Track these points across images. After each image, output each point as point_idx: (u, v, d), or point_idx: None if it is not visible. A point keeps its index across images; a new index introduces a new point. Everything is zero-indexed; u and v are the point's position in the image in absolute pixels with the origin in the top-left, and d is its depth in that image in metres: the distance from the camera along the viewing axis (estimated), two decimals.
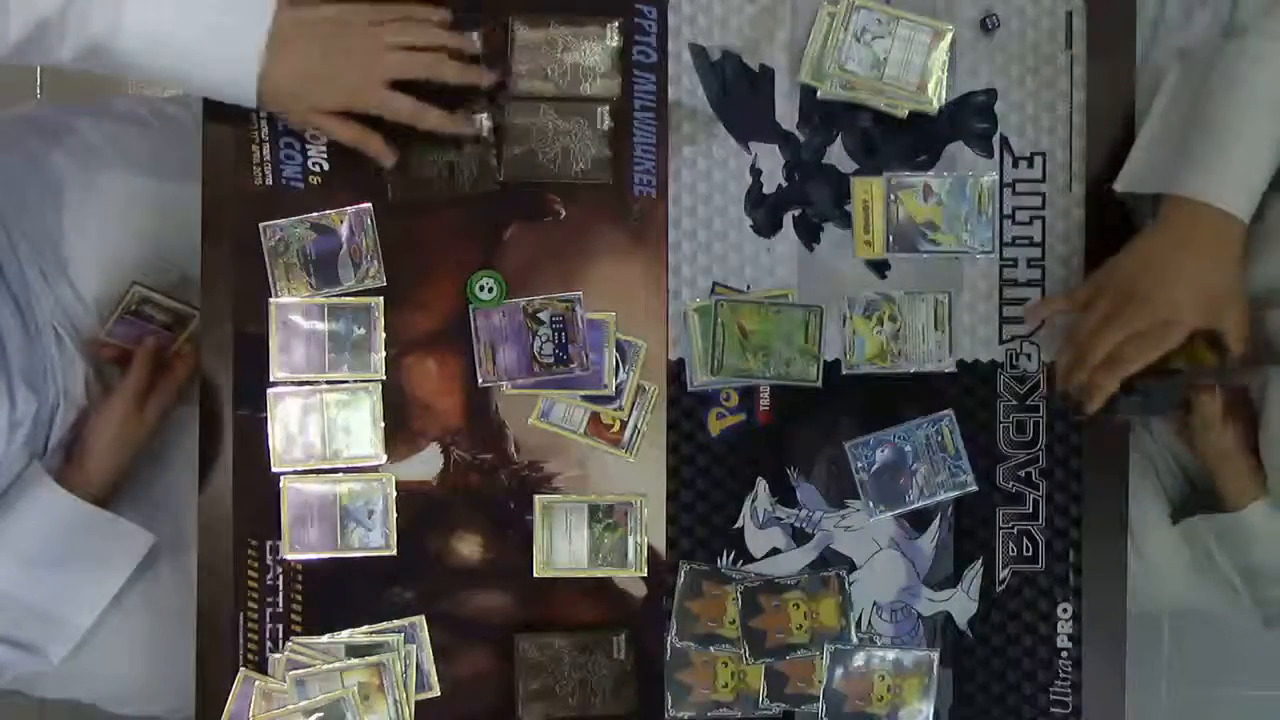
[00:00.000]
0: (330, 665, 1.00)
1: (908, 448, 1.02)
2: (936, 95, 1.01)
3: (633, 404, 1.02)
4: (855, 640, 1.03)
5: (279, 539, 1.01)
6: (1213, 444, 0.98)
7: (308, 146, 1.01)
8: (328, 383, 1.01)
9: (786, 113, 1.03)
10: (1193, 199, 0.91)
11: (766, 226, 1.03)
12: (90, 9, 0.89)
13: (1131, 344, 0.90)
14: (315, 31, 0.95)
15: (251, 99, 0.95)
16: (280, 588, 1.02)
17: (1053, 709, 1.04)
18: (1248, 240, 0.92)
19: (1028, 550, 1.03)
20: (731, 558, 1.03)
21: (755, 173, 1.03)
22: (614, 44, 1.01)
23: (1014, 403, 1.03)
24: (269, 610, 1.02)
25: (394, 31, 0.96)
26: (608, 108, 1.01)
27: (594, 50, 1.01)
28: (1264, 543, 0.97)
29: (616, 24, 1.01)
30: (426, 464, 1.02)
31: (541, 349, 1.01)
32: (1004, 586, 1.03)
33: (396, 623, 1.01)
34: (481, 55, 1.00)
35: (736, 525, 1.03)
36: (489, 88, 1.00)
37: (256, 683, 1.00)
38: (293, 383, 1.01)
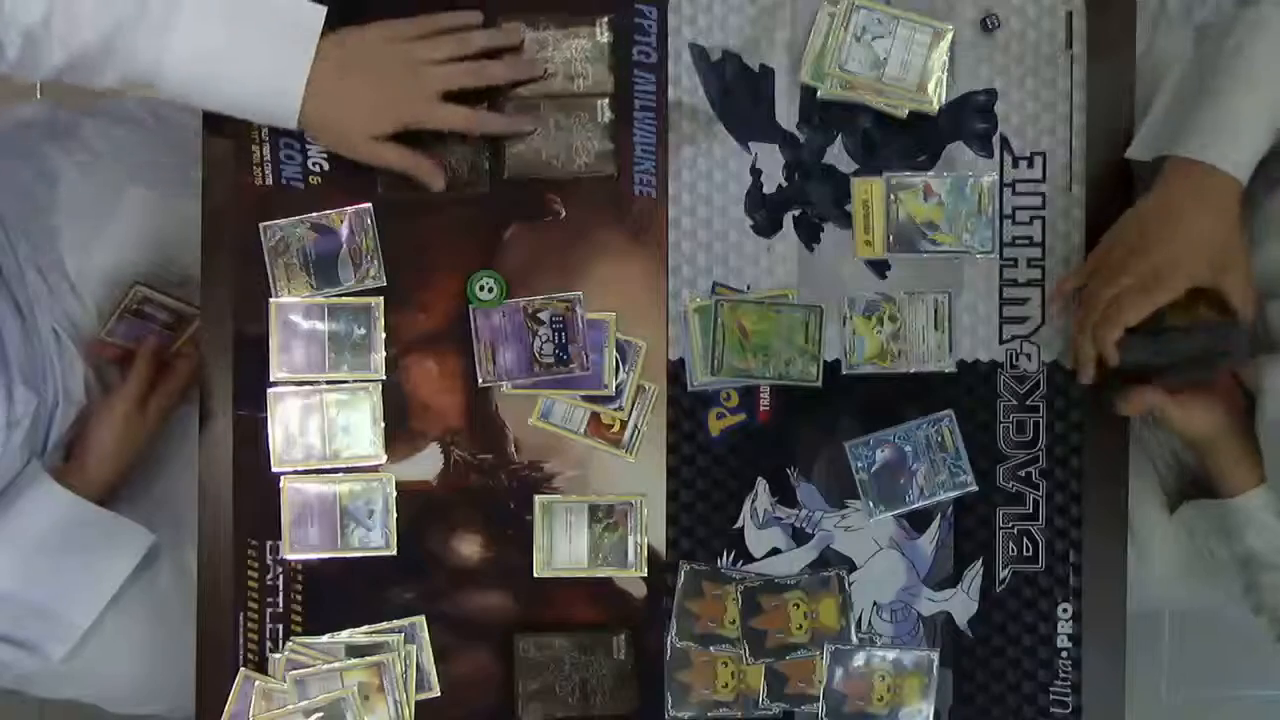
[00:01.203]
0: (330, 665, 1.00)
1: (908, 448, 1.02)
2: (936, 95, 1.01)
3: (633, 404, 1.02)
4: (855, 640, 1.03)
5: (279, 539, 1.01)
6: (1181, 428, 0.98)
7: (308, 146, 1.01)
8: (328, 383, 1.01)
9: (786, 113, 1.03)
10: (1189, 159, 0.92)
11: (766, 226, 1.03)
12: (135, 43, 0.89)
13: (1127, 296, 0.91)
14: (358, 57, 0.95)
15: (293, 125, 0.95)
16: (280, 588, 1.02)
17: (1053, 709, 1.04)
18: (1249, 229, 0.93)
19: (1028, 550, 1.03)
20: (731, 558, 1.03)
21: (755, 173, 1.03)
22: (605, 39, 1.01)
23: (1014, 403, 1.03)
24: (269, 610, 1.02)
25: (432, 47, 0.96)
26: (607, 101, 1.01)
27: (586, 47, 1.01)
28: (1257, 531, 0.97)
29: (606, 20, 1.01)
30: (426, 464, 1.02)
31: (541, 349, 1.01)
32: (1004, 586, 1.03)
33: (396, 623, 1.01)
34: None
35: (736, 525, 1.03)
36: (506, 85, 1.01)
37: (256, 683, 1.00)
38: (293, 383, 1.01)
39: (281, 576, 1.02)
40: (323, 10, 0.94)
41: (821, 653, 1.02)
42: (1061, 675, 1.03)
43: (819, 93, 1.02)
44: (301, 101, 0.93)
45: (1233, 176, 0.91)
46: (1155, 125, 0.99)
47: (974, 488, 1.02)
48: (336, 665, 1.00)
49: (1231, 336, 0.92)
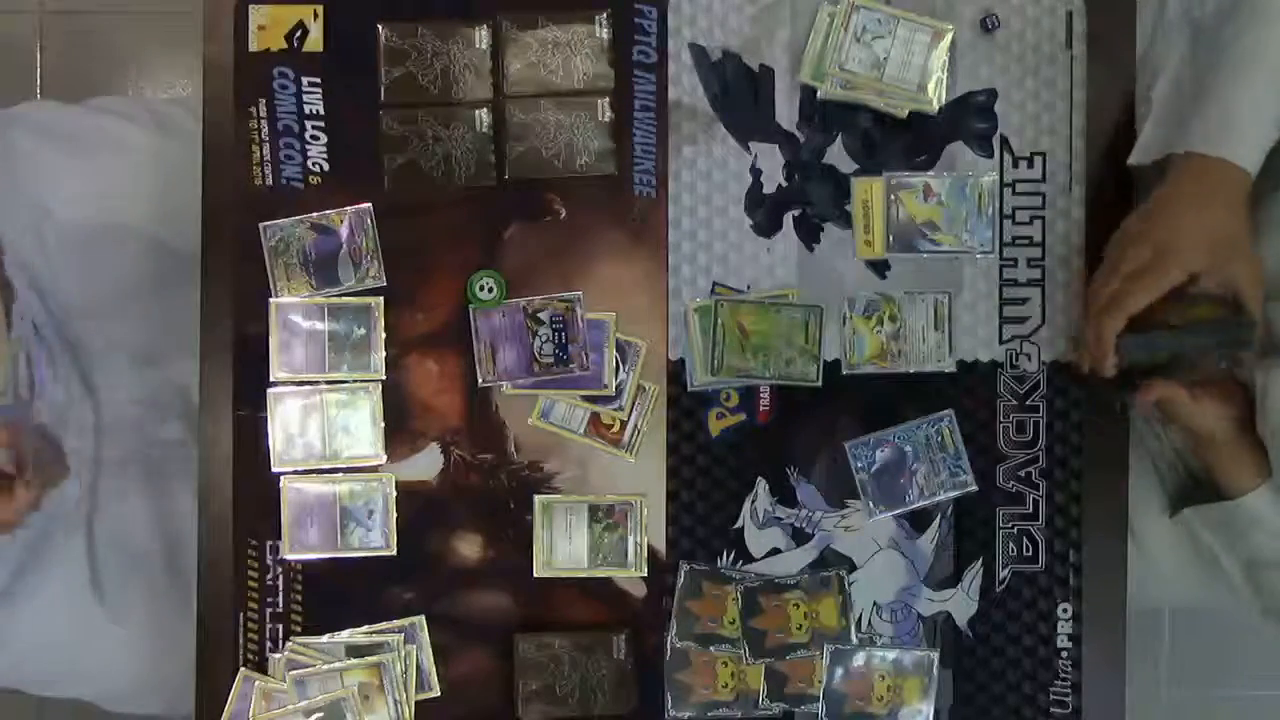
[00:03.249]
0: (330, 665, 1.00)
1: (908, 448, 1.02)
2: (936, 95, 1.01)
3: (633, 404, 1.02)
4: (855, 640, 1.03)
5: (279, 539, 1.01)
6: (1191, 423, 0.97)
7: (308, 146, 1.01)
8: (328, 383, 1.01)
9: (786, 113, 1.03)
10: (1197, 153, 0.91)
11: (766, 226, 1.03)
12: None
13: (1130, 281, 0.90)
14: None
15: None
16: (280, 588, 1.02)
17: (1053, 709, 1.04)
18: (1253, 224, 0.92)
19: (1028, 550, 1.03)
20: (731, 558, 1.03)
21: (755, 173, 1.03)
22: (604, 36, 1.01)
23: (1014, 403, 1.03)
24: (269, 610, 1.02)
25: None
26: (607, 100, 1.01)
27: (585, 44, 1.01)
28: (1263, 530, 0.97)
29: (604, 15, 1.01)
30: (426, 464, 1.02)
31: (541, 349, 1.01)
32: (1004, 586, 1.03)
33: (396, 623, 1.01)
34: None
35: (736, 525, 1.03)
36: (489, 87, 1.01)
37: (256, 683, 1.00)
38: (293, 383, 1.01)
39: (281, 576, 1.02)
40: None
41: (821, 653, 1.02)
42: (1061, 675, 1.03)
43: (819, 93, 1.02)
44: None
45: (1241, 168, 0.90)
46: (1154, 128, 0.99)
47: (974, 488, 1.02)
48: (336, 665, 1.00)
49: (1236, 331, 0.90)
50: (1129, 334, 0.91)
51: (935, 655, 1.03)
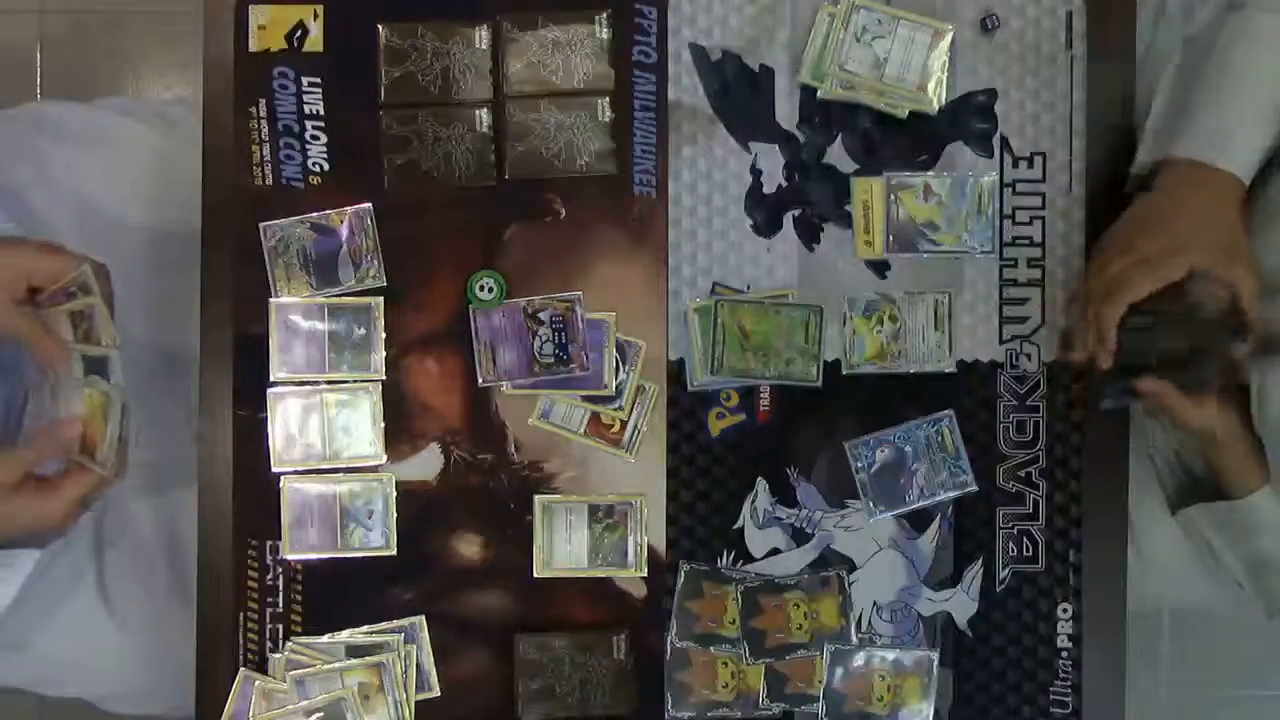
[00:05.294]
0: (330, 665, 1.00)
1: (908, 448, 1.02)
2: (936, 95, 1.01)
3: (633, 404, 1.02)
4: (855, 640, 1.03)
5: (279, 539, 1.01)
6: (1189, 424, 0.97)
7: (308, 146, 1.01)
8: (328, 383, 1.01)
9: (786, 113, 1.03)
10: (1192, 160, 0.92)
11: (766, 226, 1.03)
12: None
13: (1135, 269, 0.90)
14: None
15: None
16: (280, 588, 1.02)
17: (1053, 709, 1.04)
18: (1250, 217, 0.94)
19: (1028, 550, 1.03)
20: (731, 558, 1.03)
21: (755, 173, 1.03)
22: (604, 35, 1.01)
23: (1014, 403, 1.03)
24: (269, 610, 1.02)
25: None
26: (607, 100, 1.01)
27: (585, 44, 1.01)
28: (1268, 531, 0.97)
29: (605, 15, 1.01)
30: (426, 464, 1.02)
31: (541, 349, 1.01)
32: (1004, 586, 1.03)
33: (396, 623, 1.01)
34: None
35: (736, 525, 1.03)
36: (487, 88, 1.01)
37: (256, 683, 1.00)
38: (293, 383, 1.01)
39: (281, 576, 1.02)
40: None
41: (821, 653, 1.02)
42: (1061, 675, 1.04)
43: (819, 93, 1.02)
44: None
45: (1233, 173, 0.91)
46: (1152, 135, 0.99)
47: (974, 488, 1.02)
48: (336, 665, 1.00)
49: (1231, 329, 0.90)
50: (1128, 326, 0.90)
51: (935, 655, 1.03)
